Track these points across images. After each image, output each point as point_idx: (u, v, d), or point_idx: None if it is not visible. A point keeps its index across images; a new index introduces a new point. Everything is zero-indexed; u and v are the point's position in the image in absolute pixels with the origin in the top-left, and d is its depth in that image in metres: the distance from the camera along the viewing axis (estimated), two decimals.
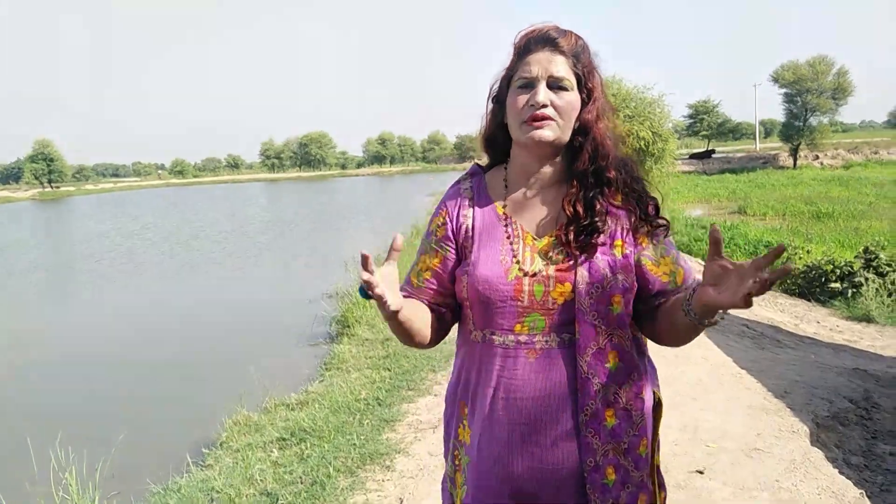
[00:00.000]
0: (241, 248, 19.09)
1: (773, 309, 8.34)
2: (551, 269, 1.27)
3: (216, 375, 7.08)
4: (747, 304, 1.03)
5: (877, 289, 7.89)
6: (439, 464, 3.43)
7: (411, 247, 12.27)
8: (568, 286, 1.25)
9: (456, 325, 1.46)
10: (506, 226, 1.33)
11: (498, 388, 1.29)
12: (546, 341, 1.27)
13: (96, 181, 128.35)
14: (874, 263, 8.53)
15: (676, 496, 2.86)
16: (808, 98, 44.02)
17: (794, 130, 44.15)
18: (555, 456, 1.26)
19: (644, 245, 1.30)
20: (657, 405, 1.36)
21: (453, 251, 1.38)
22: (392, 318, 1.23)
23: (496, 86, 1.36)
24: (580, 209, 1.28)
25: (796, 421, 3.74)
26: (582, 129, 1.30)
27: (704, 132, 65.53)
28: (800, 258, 10.22)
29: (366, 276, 1.10)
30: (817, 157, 42.86)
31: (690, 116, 63.83)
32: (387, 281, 1.18)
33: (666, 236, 1.33)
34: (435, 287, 1.39)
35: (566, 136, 1.29)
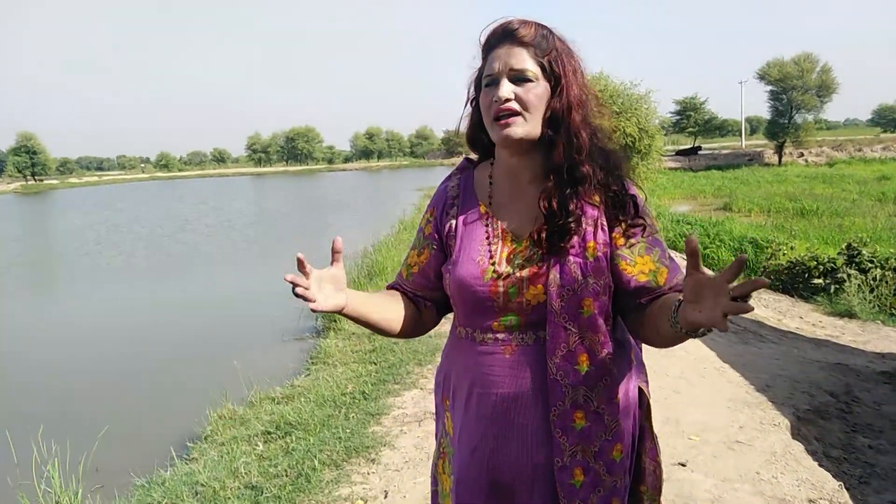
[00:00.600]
0: (227, 241, 19.00)
1: (756, 304, 8.42)
2: (525, 272, 1.26)
3: (201, 369, 7.03)
4: (724, 326, 0.98)
5: (859, 285, 7.98)
6: (424, 457, 3.44)
7: (399, 242, 12.29)
8: (540, 288, 1.25)
9: (445, 320, 1.48)
10: (486, 225, 1.33)
11: (475, 384, 1.31)
12: (522, 339, 1.28)
13: (80, 174, 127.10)
14: (857, 260, 8.62)
15: None
16: (793, 95, 44.44)
17: (780, 128, 44.61)
18: (526, 452, 1.27)
19: (620, 244, 1.27)
20: (646, 402, 1.35)
21: (438, 248, 1.39)
22: (339, 313, 1.25)
23: (471, 88, 1.35)
24: (555, 206, 1.25)
25: (777, 414, 3.79)
26: (553, 120, 1.25)
27: (691, 129, 65.88)
28: (783, 254, 10.31)
29: (289, 277, 1.15)
30: (802, 155, 43.30)
31: (677, 113, 64.15)
32: (333, 281, 1.21)
33: (648, 235, 1.29)
34: (420, 281, 1.41)
35: (537, 130, 1.25)
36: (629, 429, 1.32)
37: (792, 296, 9.04)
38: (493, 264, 1.28)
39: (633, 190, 1.32)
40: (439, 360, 1.49)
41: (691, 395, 4.08)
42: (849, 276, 8.19)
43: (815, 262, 8.99)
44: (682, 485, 2.95)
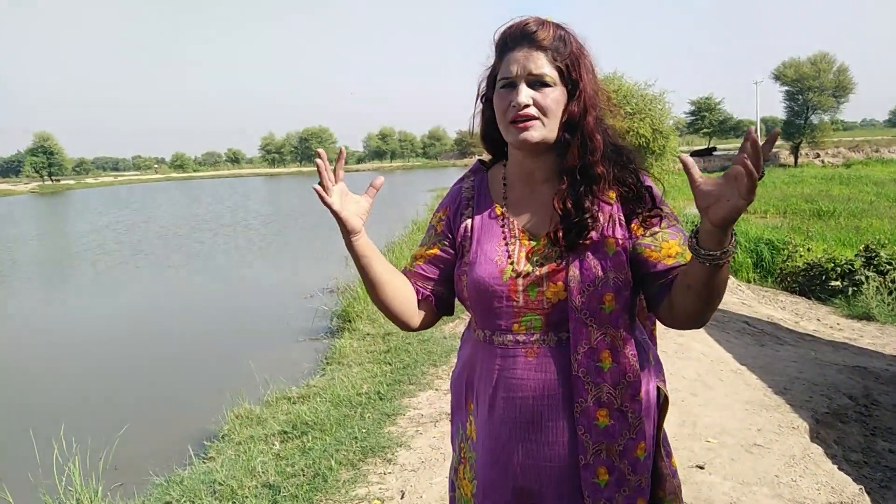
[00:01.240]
0: (243, 241, 19.11)
1: (773, 306, 8.36)
2: (544, 269, 1.26)
3: (217, 368, 7.10)
4: (750, 195, 0.98)
5: (877, 287, 7.89)
6: (441, 457, 3.45)
7: (412, 242, 12.31)
8: (561, 286, 1.25)
9: (444, 320, 1.48)
10: (502, 226, 1.33)
11: (498, 388, 1.30)
12: (543, 340, 1.27)
13: (96, 174, 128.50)
14: (875, 262, 8.53)
15: None
16: (809, 96, 44.01)
17: (796, 128, 44.14)
18: (552, 452, 1.26)
19: (640, 234, 1.26)
20: (663, 401, 1.34)
21: (449, 246, 1.39)
22: (350, 244, 1.26)
23: (483, 84, 1.34)
24: (570, 206, 1.25)
25: (796, 417, 3.76)
26: (569, 124, 1.26)
27: (706, 129, 65.34)
28: (800, 256, 10.22)
29: (318, 187, 1.22)
30: (818, 156, 42.85)
31: (692, 113, 63.65)
32: (356, 205, 1.27)
33: (668, 224, 1.27)
34: (424, 273, 1.40)
35: (553, 134, 1.26)
36: (650, 428, 1.31)
37: (809, 298, 8.96)
38: (511, 263, 1.28)
39: (649, 181, 1.31)
40: (454, 361, 1.48)
41: (708, 398, 4.06)
42: (867, 278, 8.11)
43: (833, 264, 8.90)
44: (699, 487, 2.94)
